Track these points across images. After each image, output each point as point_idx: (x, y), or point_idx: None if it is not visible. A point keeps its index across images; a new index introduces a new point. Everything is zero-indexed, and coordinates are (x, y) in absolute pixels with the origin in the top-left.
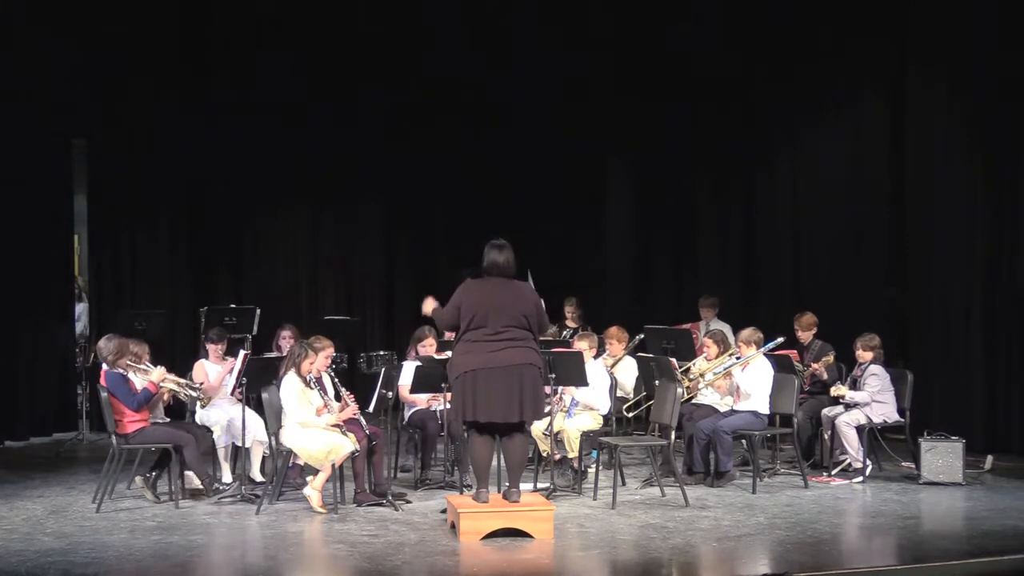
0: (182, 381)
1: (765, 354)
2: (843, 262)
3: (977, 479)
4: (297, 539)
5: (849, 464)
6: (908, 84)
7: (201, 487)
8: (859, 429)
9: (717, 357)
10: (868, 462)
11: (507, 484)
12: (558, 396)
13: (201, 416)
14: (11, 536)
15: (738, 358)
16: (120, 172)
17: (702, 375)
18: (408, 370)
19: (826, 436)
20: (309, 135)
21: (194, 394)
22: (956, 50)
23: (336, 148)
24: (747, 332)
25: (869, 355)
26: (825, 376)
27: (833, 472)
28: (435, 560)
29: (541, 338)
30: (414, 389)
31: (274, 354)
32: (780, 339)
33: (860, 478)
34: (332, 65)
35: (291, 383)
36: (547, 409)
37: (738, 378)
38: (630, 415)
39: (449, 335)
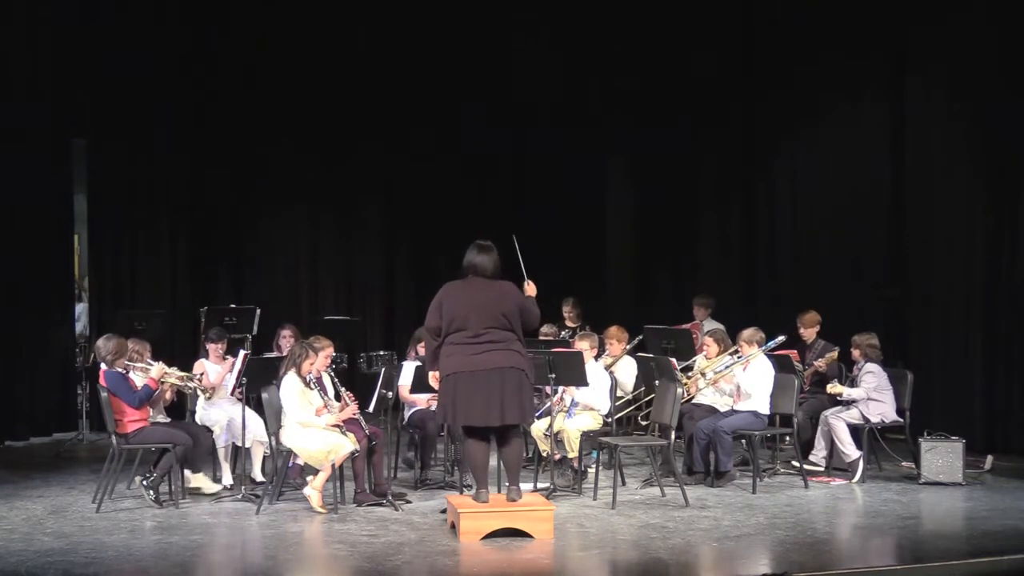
0: (183, 375)
1: (765, 354)
2: (843, 262)
3: (977, 479)
4: (297, 539)
5: (828, 463)
6: (908, 84)
7: (204, 489)
8: (858, 429)
9: (717, 356)
10: (858, 452)
11: (507, 484)
12: (558, 396)
13: (201, 416)
14: (11, 536)
15: (739, 357)
16: (120, 172)
17: (703, 373)
18: (408, 370)
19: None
20: (309, 135)
21: (194, 386)
22: (955, 50)
23: (336, 148)
24: (748, 332)
25: (857, 352)
26: (825, 369)
27: (824, 471)
28: (435, 560)
29: (540, 337)
30: (414, 389)
31: (274, 354)
32: (782, 338)
33: (859, 474)
34: (332, 65)
35: (291, 383)
36: (546, 408)
37: (739, 378)
38: (641, 418)
39: None
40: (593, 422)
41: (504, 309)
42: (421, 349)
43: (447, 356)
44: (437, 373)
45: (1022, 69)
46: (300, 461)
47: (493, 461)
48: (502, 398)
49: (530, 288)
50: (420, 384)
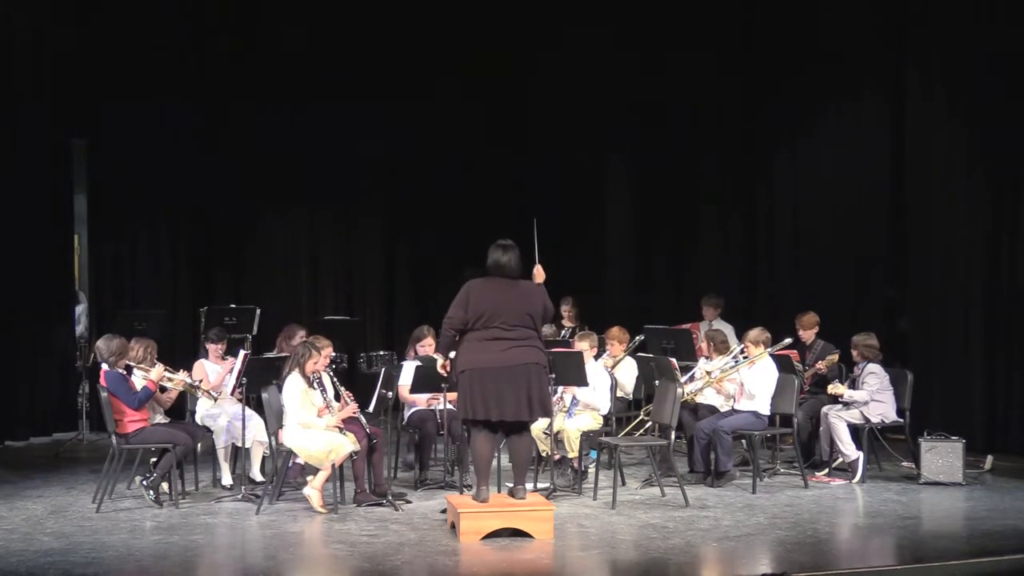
0: (182, 380)
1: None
2: (843, 262)
3: (977, 479)
4: (297, 539)
5: (842, 460)
6: (908, 84)
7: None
8: (858, 429)
9: (718, 356)
10: (858, 452)
11: (509, 484)
12: (558, 396)
13: (201, 416)
14: (11, 536)
15: (746, 357)
16: (120, 172)
17: (709, 373)
18: (408, 370)
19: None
20: (310, 134)
21: (196, 392)
22: (955, 49)
23: (337, 148)
24: (755, 332)
25: (856, 352)
26: (826, 372)
27: (825, 472)
28: (435, 560)
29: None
30: (414, 389)
31: (274, 353)
32: (788, 340)
33: (859, 474)
34: (332, 67)
35: (295, 383)
36: None
37: (744, 377)
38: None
39: None
40: (593, 422)
41: (530, 309)
42: (421, 349)
43: (469, 351)
44: (446, 362)
45: (1021, 68)
46: (300, 461)
47: (494, 461)
48: (529, 393)
49: (539, 274)
50: (420, 384)
